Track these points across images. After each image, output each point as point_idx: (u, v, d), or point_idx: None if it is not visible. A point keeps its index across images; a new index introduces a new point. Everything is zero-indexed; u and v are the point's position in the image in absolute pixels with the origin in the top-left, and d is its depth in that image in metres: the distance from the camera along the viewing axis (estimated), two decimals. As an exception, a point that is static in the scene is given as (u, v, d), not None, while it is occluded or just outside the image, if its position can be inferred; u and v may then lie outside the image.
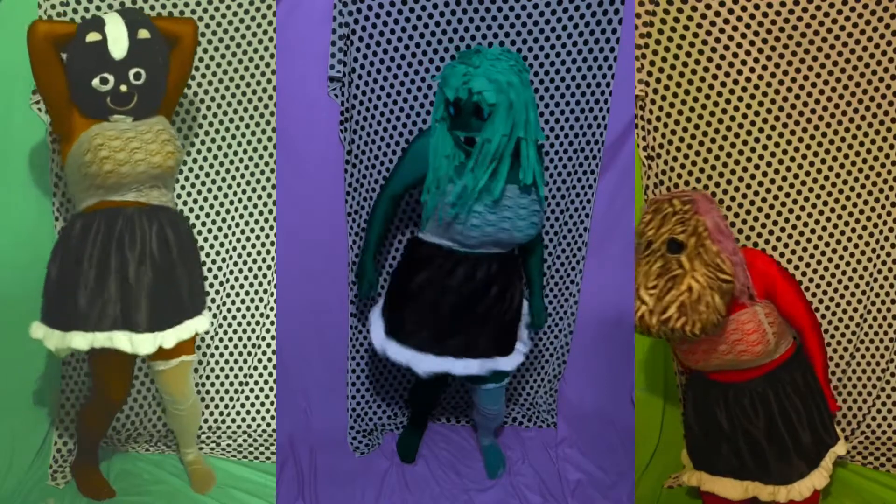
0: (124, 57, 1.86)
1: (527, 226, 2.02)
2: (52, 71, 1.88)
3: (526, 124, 1.89)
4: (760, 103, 2.24)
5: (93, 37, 1.85)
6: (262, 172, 2.48)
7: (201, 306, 2.13)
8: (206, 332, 2.38)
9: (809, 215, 2.35)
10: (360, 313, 2.50)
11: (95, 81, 1.87)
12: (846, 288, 2.42)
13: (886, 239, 2.37)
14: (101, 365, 2.08)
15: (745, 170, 2.31)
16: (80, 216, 1.99)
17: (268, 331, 2.61)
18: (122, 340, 1.94)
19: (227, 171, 2.47)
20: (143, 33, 1.89)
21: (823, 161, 2.30)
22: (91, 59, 1.86)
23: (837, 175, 2.31)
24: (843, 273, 2.41)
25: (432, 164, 1.98)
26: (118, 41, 1.85)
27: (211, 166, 2.46)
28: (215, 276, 2.53)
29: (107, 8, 2.21)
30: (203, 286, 2.16)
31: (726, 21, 2.16)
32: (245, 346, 2.62)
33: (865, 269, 2.40)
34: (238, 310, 2.59)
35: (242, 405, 2.65)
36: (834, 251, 2.38)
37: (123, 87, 1.88)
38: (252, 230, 2.53)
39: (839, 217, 2.35)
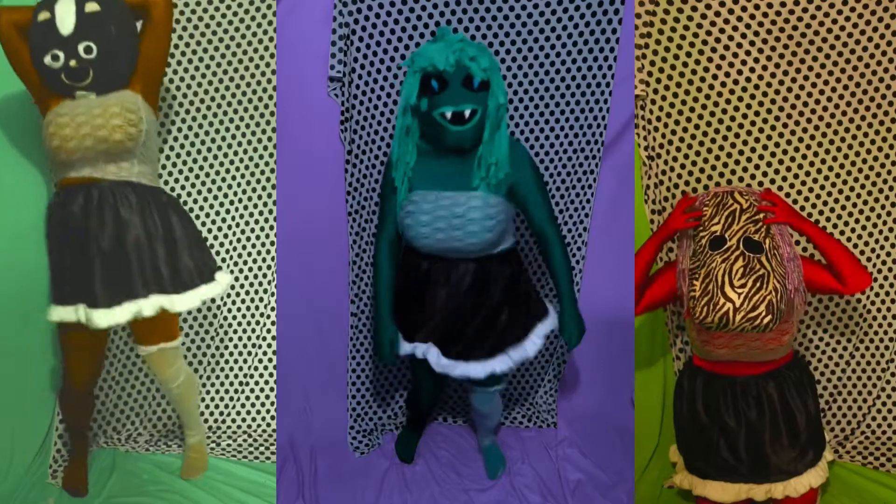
0: (72, 32, 1.85)
1: (482, 230, 1.95)
2: (21, 54, 1.93)
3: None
4: (760, 103, 2.24)
5: (43, 16, 1.87)
6: (262, 172, 2.48)
7: (179, 284, 2.00)
8: (187, 310, 2.28)
9: (809, 215, 2.35)
10: (360, 313, 2.50)
11: (47, 59, 1.87)
12: (846, 288, 2.42)
13: (886, 239, 2.37)
14: (63, 348, 2.11)
15: (745, 170, 2.31)
16: (54, 195, 2.02)
17: (268, 331, 2.61)
18: (76, 314, 1.93)
19: (227, 171, 2.47)
20: (91, 6, 1.87)
21: (823, 161, 2.30)
22: (42, 37, 1.87)
23: (837, 175, 2.31)
24: (843, 273, 2.41)
25: (401, 155, 1.96)
26: (65, 16, 1.85)
27: (211, 166, 2.46)
28: (215, 276, 2.53)
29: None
30: (184, 263, 2.01)
31: (726, 21, 2.16)
32: (245, 346, 2.62)
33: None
34: (238, 310, 2.59)
35: (242, 405, 2.65)
36: (834, 251, 2.39)
37: (73, 62, 1.86)
38: (252, 230, 2.53)
39: (839, 217, 2.35)
